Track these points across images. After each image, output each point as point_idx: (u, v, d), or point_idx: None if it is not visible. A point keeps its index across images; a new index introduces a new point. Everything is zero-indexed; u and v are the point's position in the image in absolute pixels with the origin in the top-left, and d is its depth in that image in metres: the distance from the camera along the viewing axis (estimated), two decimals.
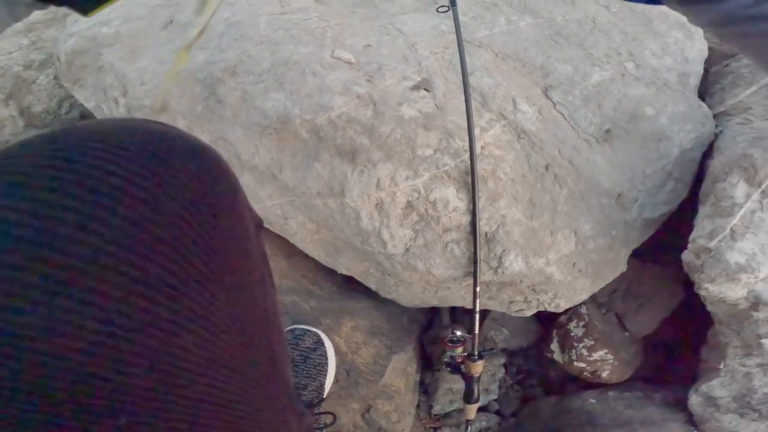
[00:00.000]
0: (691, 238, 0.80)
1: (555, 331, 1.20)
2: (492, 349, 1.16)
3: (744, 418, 1.03)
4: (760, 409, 1.01)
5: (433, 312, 1.18)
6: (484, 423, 1.21)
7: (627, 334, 1.25)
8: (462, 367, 0.91)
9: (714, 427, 1.05)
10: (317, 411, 0.77)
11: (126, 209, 0.23)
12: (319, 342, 0.78)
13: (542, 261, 0.79)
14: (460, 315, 1.24)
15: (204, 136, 0.78)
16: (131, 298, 0.23)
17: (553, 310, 0.90)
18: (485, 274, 0.78)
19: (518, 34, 0.93)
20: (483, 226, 0.74)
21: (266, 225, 0.87)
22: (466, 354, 0.90)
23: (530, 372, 1.32)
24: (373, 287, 0.92)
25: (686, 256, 0.82)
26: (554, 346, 1.21)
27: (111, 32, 0.85)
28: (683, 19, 0.92)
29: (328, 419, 0.76)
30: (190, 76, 0.77)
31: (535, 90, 0.89)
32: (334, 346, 0.83)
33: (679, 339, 1.23)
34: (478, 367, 0.89)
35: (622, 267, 0.93)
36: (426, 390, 1.18)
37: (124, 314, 0.23)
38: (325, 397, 0.82)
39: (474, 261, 0.74)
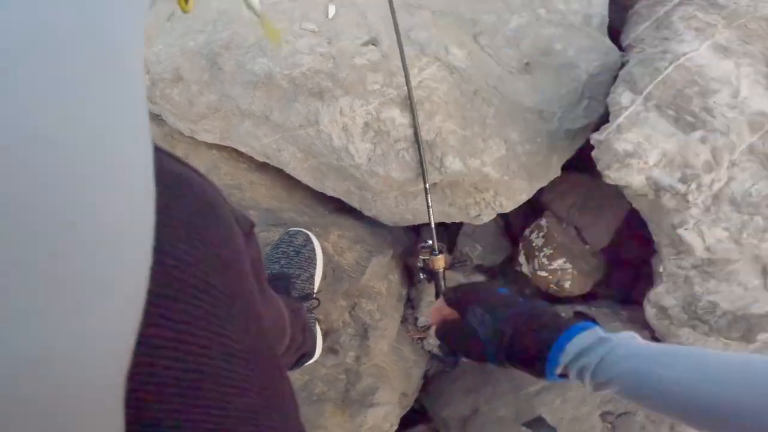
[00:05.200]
0: (590, 136, 1.01)
1: (521, 244, 1.41)
2: (465, 261, 1.37)
3: (697, 331, 1.12)
4: (708, 320, 1.10)
5: (417, 234, 1.41)
6: None
7: (587, 246, 1.44)
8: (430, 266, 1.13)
9: (675, 344, 1.15)
10: (310, 301, 1.00)
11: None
12: (308, 240, 1.03)
13: (478, 162, 1.02)
14: (440, 233, 1.45)
15: (212, 96, 1.05)
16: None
17: (498, 210, 1.12)
18: (432, 175, 1.01)
19: None
20: (424, 135, 0.98)
21: (265, 159, 1.13)
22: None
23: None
24: (357, 206, 1.16)
25: (593, 152, 1.03)
26: (521, 258, 1.41)
27: None
28: None
29: (315, 304, 1.00)
30: (196, 54, 1.04)
31: (466, 38, 1.12)
32: (322, 249, 1.08)
33: (644, 260, 1.36)
34: (439, 261, 1.10)
35: (555, 171, 1.15)
36: (412, 305, 1.39)
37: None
38: (316, 290, 1.05)
39: (420, 162, 0.98)
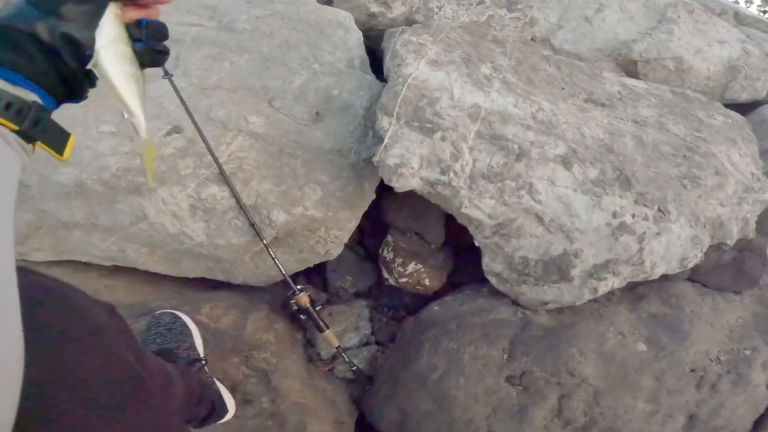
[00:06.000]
0: (372, 159, 1.19)
1: (379, 262, 1.59)
2: (340, 294, 1.50)
3: (529, 284, 1.26)
4: (529, 272, 1.24)
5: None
6: (365, 353, 1.54)
7: (432, 246, 1.66)
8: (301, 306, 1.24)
9: (526, 300, 1.30)
10: (198, 363, 1.06)
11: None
12: (175, 317, 1.09)
13: (300, 208, 1.18)
14: (312, 279, 1.58)
15: (28, 215, 1.06)
16: None
17: (335, 241, 1.29)
18: (267, 231, 1.15)
19: (240, 71, 1.33)
20: (246, 200, 1.12)
21: (113, 263, 1.16)
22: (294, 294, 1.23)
23: (396, 306, 1.68)
24: (223, 278, 1.25)
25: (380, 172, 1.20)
26: (385, 274, 1.60)
27: None
28: (340, 18, 1.30)
29: (203, 363, 1.06)
30: None
31: (262, 105, 1.29)
32: (196, 324, 1.14)
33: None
34: (303, 299, 1.24)
35: (371, 195, 1.35)
36: (312, 344, 1.47)
37: None
38: (203, 355, 1.11)
39: (251, 225, 1.11)
